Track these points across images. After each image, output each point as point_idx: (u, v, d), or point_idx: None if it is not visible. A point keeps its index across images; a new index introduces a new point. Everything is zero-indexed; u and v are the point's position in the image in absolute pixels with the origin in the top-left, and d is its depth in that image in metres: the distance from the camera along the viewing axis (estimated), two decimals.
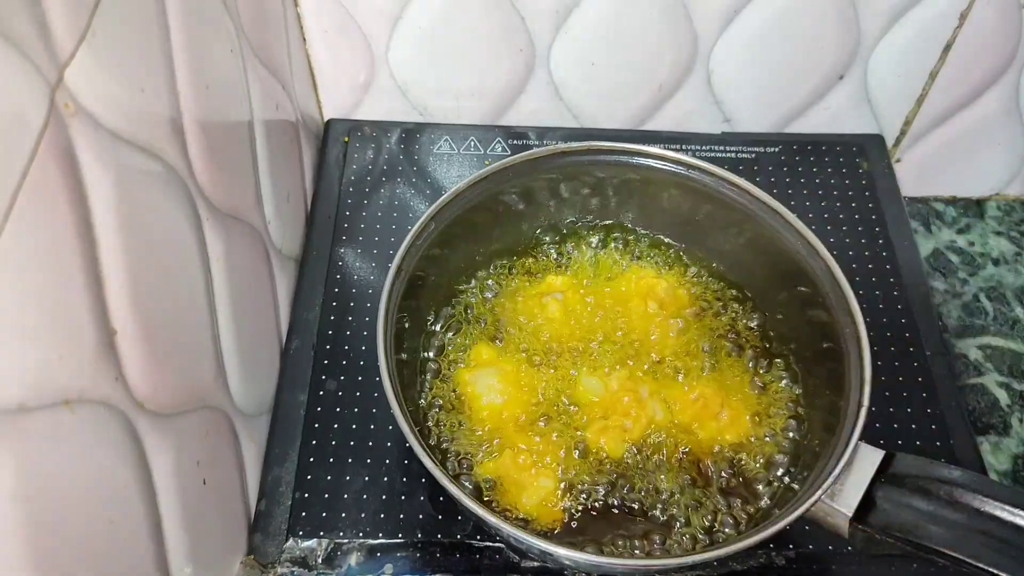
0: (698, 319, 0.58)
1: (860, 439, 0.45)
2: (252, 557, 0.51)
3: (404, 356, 0.53)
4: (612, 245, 0.62)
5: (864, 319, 0.49)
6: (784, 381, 0.55)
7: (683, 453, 0.52)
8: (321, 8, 0.65)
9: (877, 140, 0.73)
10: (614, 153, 0.58)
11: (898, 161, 0.74)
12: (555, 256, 0.62)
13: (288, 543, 0.51)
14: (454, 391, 0.55)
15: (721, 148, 0.72)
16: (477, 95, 0.71)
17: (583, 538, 0.49)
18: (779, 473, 0.52)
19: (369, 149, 0.71)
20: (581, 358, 0.56)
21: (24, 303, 0.28)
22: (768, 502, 0.51)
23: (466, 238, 0.58)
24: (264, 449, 0.56)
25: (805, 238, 0.53)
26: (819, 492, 0.43)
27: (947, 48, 0.66)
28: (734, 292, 0.60)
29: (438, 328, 0.58)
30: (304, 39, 0.67)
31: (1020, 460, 0.60)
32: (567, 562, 0.47)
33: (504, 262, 0.61)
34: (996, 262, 0.71)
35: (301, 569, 0.51)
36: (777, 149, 0.72)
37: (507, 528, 0.43)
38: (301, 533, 0.52)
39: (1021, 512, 0.40)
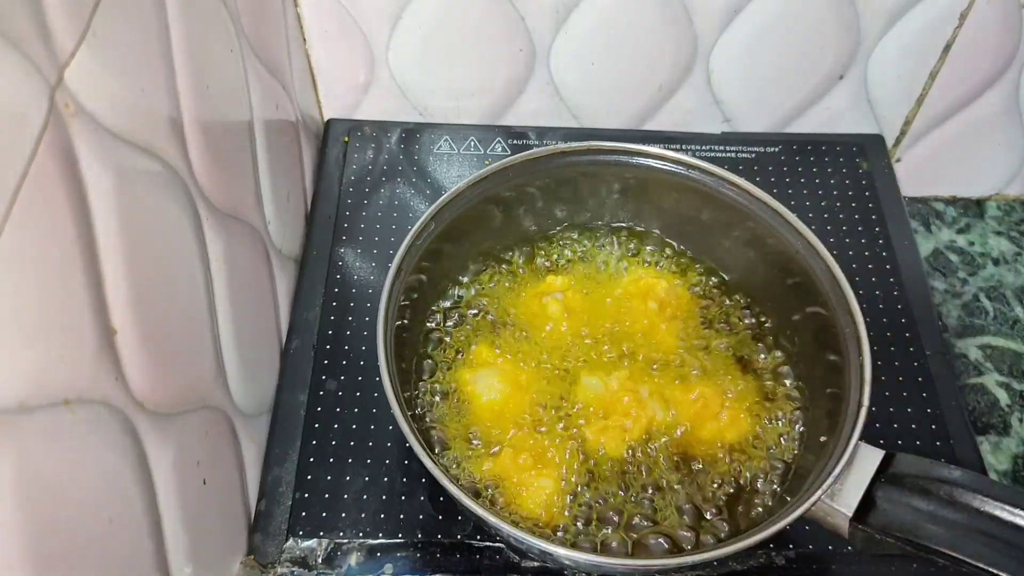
0: (698, 319, 0.58)
1: (860, 439, 0.45)
2: (252, 557, 0.51)
3: (404, 356, 0.53)
4: (612, 245, 0.62)
5: (864, 319, 0.49)
6: (784, 381, 0.55)
7: (683, 453, 0.52)
8: (321, 8, 0.65)
9: (877, 140, 0.73)
10: (614, 153, 0.58)
11: (898, 161, 0.74)
12: (555, 256, 0.62)
13: (288, 543, 0.51)
14: (454, 391, 0.55)
15: (721, 148, 0.72)
16: (477, 95, 0.71)
17: (583, 538, 0.49)
18: (779, 473, 0.52)
19: (369, 149, 0.71)
20: (581, 358, 0.56)
21: (24, 303, 0.28)
22: (768, 502, 0.51)
23: (466, 238, 0.58)
24: (264, 449, 0.56)
25: (805, 238, 0.53)
26: (819, 492, 0.43)
27: (947, 48, 0.66)
28: (734, 292, 0.60)
29: (438, 328, 0.58)
30: (304, 39, 0.67)
31: (1020, 460, 0.60)
32: (567, 562, 0.47)
33: (504, 262, 0.61)
34: (996, 262, 0.71)
35: (301, 569, 0.51)
36: (777, 149, 0.72)
37: (507, 528, 0.43)
38: (301, 533, 0.52)
39: (1021, 512, 0.40)
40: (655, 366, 0.55)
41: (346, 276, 0.63)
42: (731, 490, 0.51)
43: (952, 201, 0.75)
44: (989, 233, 0.73)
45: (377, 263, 0.64)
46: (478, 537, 0.52)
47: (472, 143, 0.71)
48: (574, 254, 0.62)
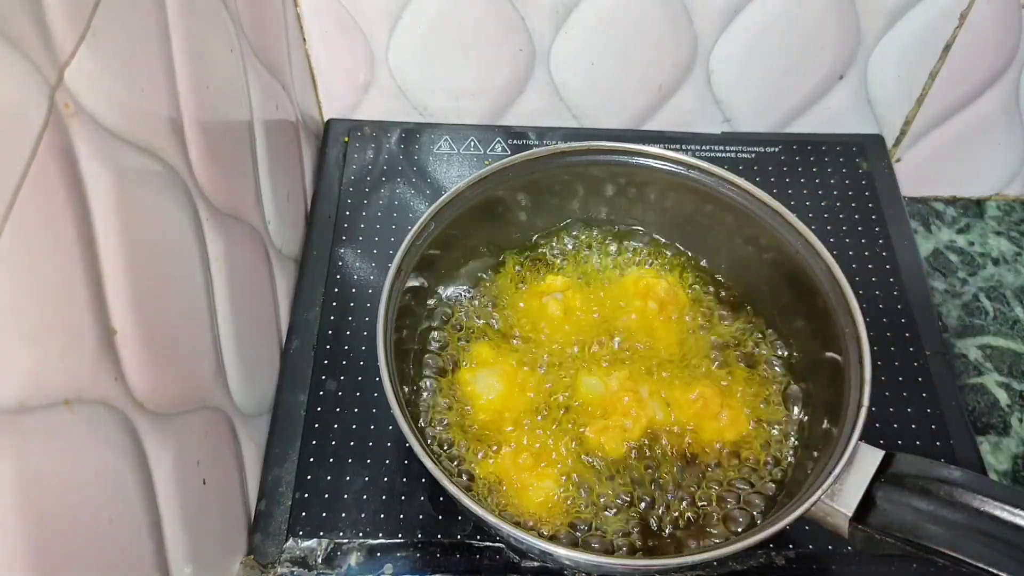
0: (698, 319, 0.58)
1: (860, 439, 0.45)
2: (252, 557, 0.51)
3: (404, 356, 0.53)
4: (612, 245, 0.62)
5: (864, 319, 0.49)
6: (784, 381, 0.55)
7: (683, 453, 0.52)
8: (321, 8, 0.65)
9: (877, 140, 0.73)
10: (614, 153, 0.58)
11: (898, 161, 0.74)
12: (555, 256, 0.62)
13: (288, 543, 0.52)
14: (454, 391, 0.55)
15: (721, 148, 0.72)
16: (477, 95, 0.71)
17: (583, 538, 0.49)
18: (779, 473, 0.52)
19: (369, 149, 0.71)
20: (581, 358, 0.56)
21: (24, 303, 0.28)
22: (768, 502, 0.51)
23: (466, 238, 0.58)
24: (264, 449, 0.56)
25: (805, 238, 0.53)
26: (819, 492, 0.43)
27: (947, 48, 0.66)
28: (734, 292, 0.60)
29: (438, 328, 0.58)
30: (304, 39, 0.67)
31: (1020, 460, 0.60)
32: (567, 562, 0.47)
33: (504, 262, 0.61)
34: (996, 262, 0.71)
35: (301, 569, 0.51)
36: (777, 149, 0.72)
37: (507, 528, 0.43)
38: (301, 533, 0.52)
39: (1021, 512, 0.40)
40: (655, 366, 0.55)
41: (346, 276, 0.63)
42: (731, 490, 0.51)
43: (952, 201, 0.75)
44: (989, 233, 0.73)
45: (377, 263, 0.64)
46: (478, 537, 0.52)
47: (472, 143, 0.71)
48: (574, 254, 0.62)
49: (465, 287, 0.60)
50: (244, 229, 0.52)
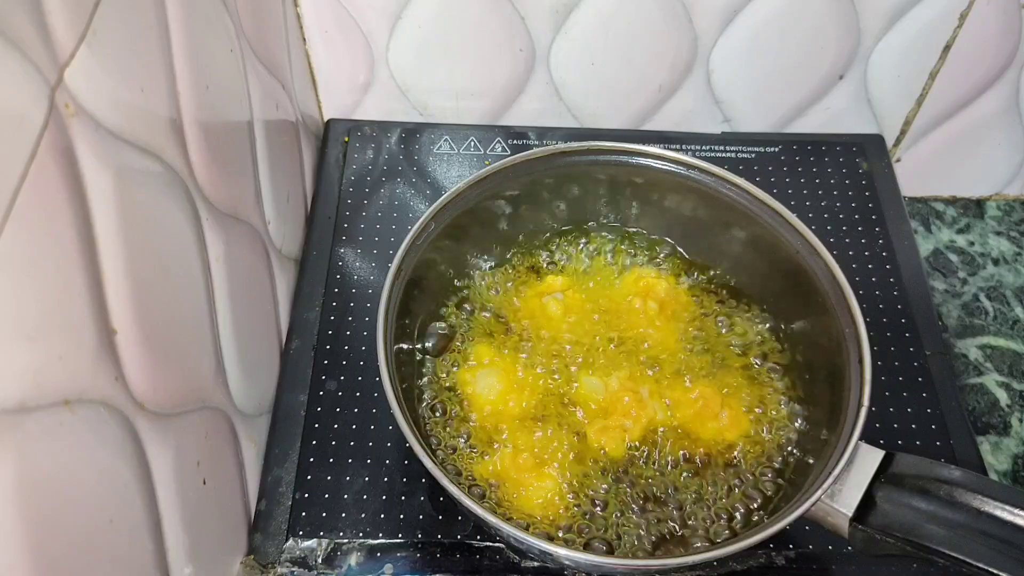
0: (698, 319, 0.58)
1: (860, 439, 0.45)
2: (252, 557, 0.51)
3: (404, 356, 0.53)
4: (612, 245, 0.62)
5: (864, 319, 0.49)
6: (784, 381, 0.55)
7: (683, 453, 0.52)
8: (321, 8, 0.65)
9: (877, 140, 0.73)
10: (614, 153, 0.58)
11: (898, 161, 0.74)
12: (555, 256, 0.62)
13: (288, 543, 0.52)
14: (454, 391, 0.55)
15: (721, 148, 0.72)
16: (477, 95, 0.71)
17: (583, 538, 0.49)
18: (779, 473, 0.52)
19: (369, 149, 0.71)
20: (581, 358, 0.56)
21: (24, 303, 0.28)
22: (768, 502, 0.51)
23: (466, 238, 0.58)
24: (264, 449, 0.56)
25: (805, 238, 0.53)
26: (819, 492, 0.43)
27: (947, 48, 0.66)
28: (733, 292, 0.60)
29: (438, 328, 0.58)
30: (304, 39, 0.67)
31: (1020, 460, 0.60)
32: (567, 562, 0.47)
33: (504, 262, 0.61)
34: (996, 262, 0.71)
35: (301, 569, 0.51)
36: (777, 149, 0.72)
37: (507, 528, 0.43)
38: (301, 533, 0.52)
39: (1021, 512, 0.40)
40: (655, 366, 0.55)
41: (346, 276, 0.63)
42: (731, 490, 0.51)
43: (952, 201, 0.75)
44: (989, 233, 0.73)
45: (377, 263, 0.64)
46: (478, 537, 0.52)
47: (472, 143, 0.71)
48: (574, 254, 0.62)
49: (465, 287, 0.60)
50: (244, 229, 0.52)
